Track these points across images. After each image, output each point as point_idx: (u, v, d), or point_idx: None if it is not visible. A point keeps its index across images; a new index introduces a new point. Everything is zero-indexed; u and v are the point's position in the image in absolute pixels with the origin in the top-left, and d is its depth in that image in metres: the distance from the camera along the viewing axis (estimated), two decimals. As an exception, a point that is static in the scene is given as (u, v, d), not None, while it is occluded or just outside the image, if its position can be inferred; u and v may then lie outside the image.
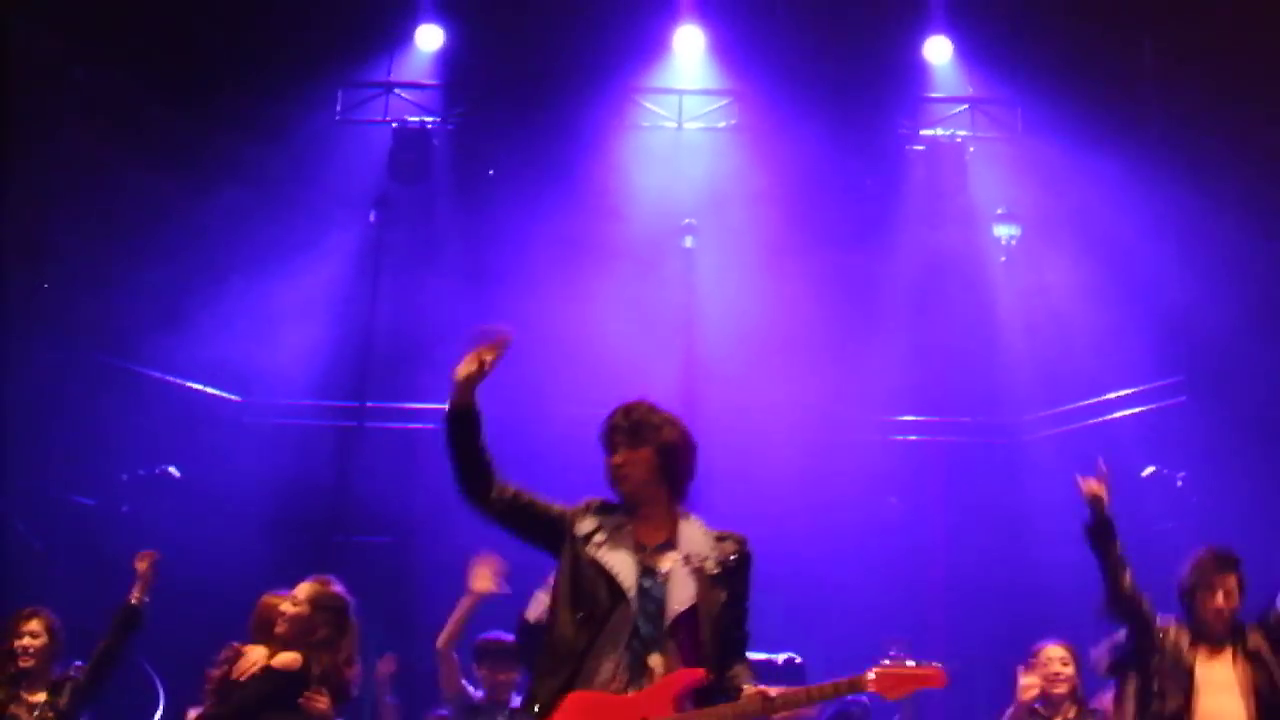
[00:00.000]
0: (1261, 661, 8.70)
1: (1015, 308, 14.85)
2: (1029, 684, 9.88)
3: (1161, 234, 13.72)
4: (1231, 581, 8.88)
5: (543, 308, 14.46)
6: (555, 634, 6.38)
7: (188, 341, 14.29)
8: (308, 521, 14.82)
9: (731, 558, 6.55)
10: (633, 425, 6.66)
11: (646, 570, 6.36)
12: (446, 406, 6.69)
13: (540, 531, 6.65)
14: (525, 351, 14.42)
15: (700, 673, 6.22)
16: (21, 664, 9.58)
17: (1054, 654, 10.11)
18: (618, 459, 6.58)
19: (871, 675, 6.35)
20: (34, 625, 9.66)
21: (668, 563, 6.39)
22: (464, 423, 6.65)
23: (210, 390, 15.00)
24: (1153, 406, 14.36)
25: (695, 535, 6.54)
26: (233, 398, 15.18)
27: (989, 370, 15.02)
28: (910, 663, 6.41)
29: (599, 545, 6.40)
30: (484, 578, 9.65)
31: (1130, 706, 9.03)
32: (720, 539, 6.59)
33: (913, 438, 15.85)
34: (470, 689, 10.52)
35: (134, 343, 14.24)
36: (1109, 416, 14.72)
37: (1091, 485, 9.11)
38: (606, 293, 14.47)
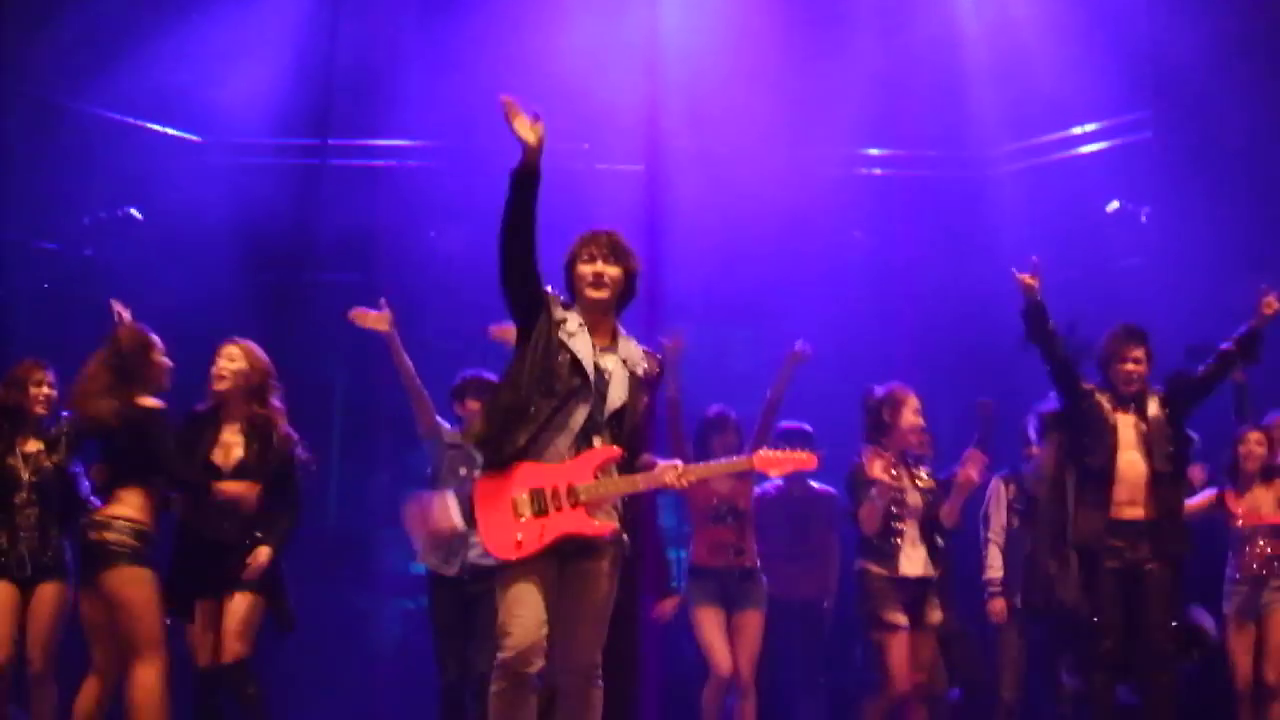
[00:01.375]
0: (1155, 421, 10.21)
1: (981, 41, 14.71)
2: (876, 464, 10.47)
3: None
4: (1140, 352, 10.31)
5: (505, 40, 14.32)
6: (520, 397, 7.26)
7: (144, 82, 14.06)
8: (273, 260, 14.86)
9: (656, 372, 7.58)
10: (615, 245, 7.50)
11: (596, 366, 7.32)
12: (519, 170, 7.31)
13: (531, 300, 7.41)
14: (490, 85, 14.42)
15: (617, 450, 7.28)
16: (36, 412, 9.89)
17: (917, 404, 10.81)
18: (600, 267, 7.42)
19: (755, 459, 7.63)
20: (49, 376, 9.98)
21: (610, 361, 7.38)
22: (534, 185, 7.30)
23: (170, 131, 14.84)
24: (1119, 141, 14.34)
25: (630, 346, 7.53)
26: (193, 138, 15.01)
27: (955, 104, 14.93)
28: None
29: (570, 334, 7.30)
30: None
31: (1055, 459, 10.64)
32: (646, 354, 7.60)
33: (878, 171, 15.83)
34: (446, 426, 10.65)
35: (89, 85, 14.00)
36: (1075, 151, 14.71)
37: (1025, 278, 10.21)
38: (570, 25, 14.29)
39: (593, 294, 7.40)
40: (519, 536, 7.11)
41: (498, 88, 14.25)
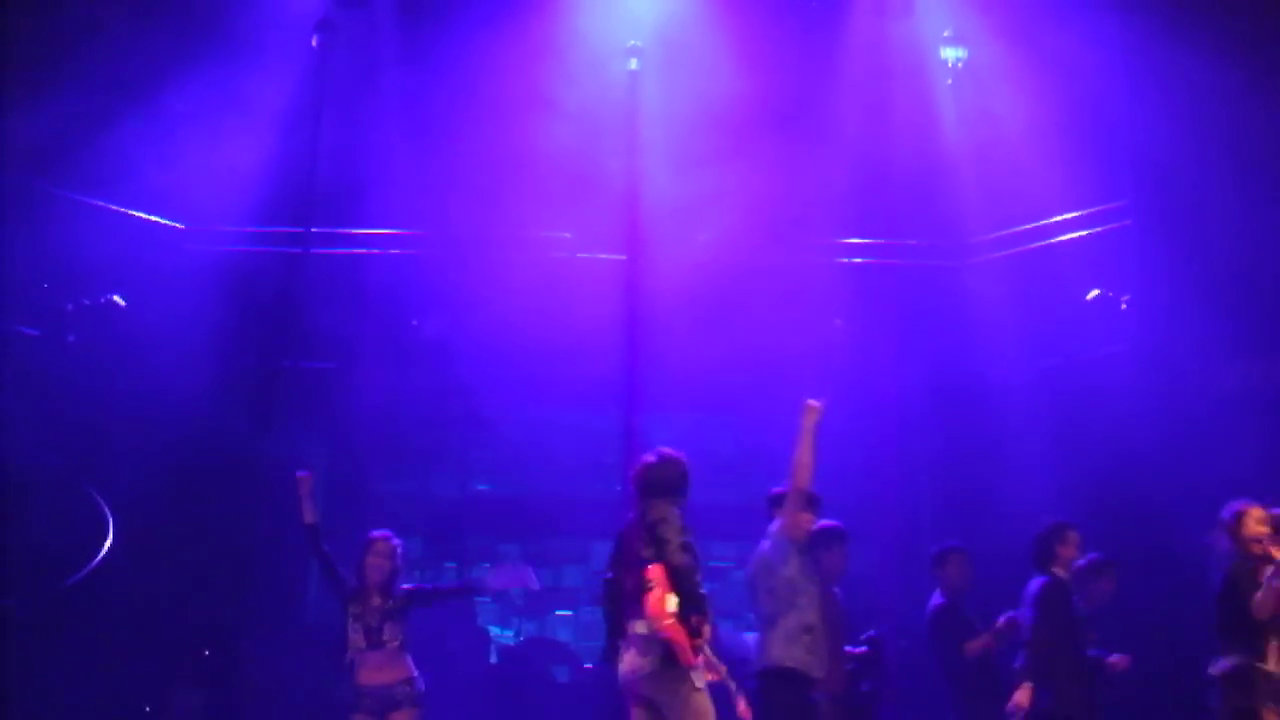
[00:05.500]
0: None
1: (962, 131, 14.78)
2: None
3: (1109, 55, 13.65)
4: None
5: (488, 130, 14.41)
6: None
7: (130, 169, 14.10)
8: (253, 348, 14.83)
9: None
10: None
11: None
12: None
13: None
14: (472, 175, 14.48)
15: None
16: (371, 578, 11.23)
17: None
18: None
19: None
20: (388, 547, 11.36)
21: None
22: None
23: (154, 218, 14.85)
24: (1098, 229, 14.37)
25: None
26: (177, 225, 15.02)
27: (935, 193, 14.98)
28: None
29: None
30: None
31: None
32: None
33: (859, 260, 15.85)
34: None
35: (76, 171, 14.04)
36: (1055, 239, 14.74)
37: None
38: (552, 116, 14.36)
39: None
40: None
41: (479, 178, 14.45)
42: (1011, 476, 13.81)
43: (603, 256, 15.10)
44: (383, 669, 10.99)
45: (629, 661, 9.26)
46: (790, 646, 10.13)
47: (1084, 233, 14.53)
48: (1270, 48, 12.53)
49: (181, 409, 13.23)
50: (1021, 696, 10.90)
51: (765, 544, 10.39)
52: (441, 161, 14.69)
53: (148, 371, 13.68)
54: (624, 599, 9.37)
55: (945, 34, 14.89)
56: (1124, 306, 13.90)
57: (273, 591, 12.30)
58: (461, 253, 15.08)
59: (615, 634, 9.47)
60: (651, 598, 9.03)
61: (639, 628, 9.19)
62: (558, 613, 16.85)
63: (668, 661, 9.04)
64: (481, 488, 16.89)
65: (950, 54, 14.84)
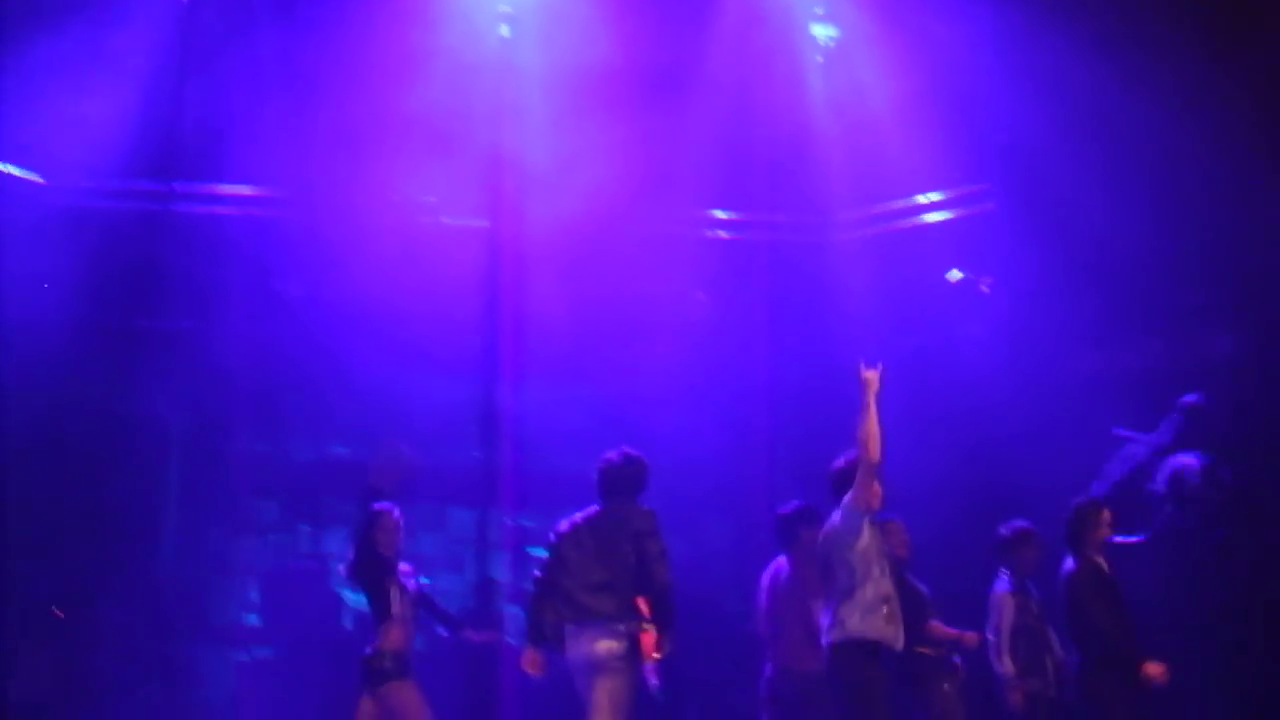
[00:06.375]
0: None
1: (831, 108, 14.84)
2: None
3: (980, 40, 13.76)
4: None
5: (355, 93, 14.28)
6: None
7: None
8: (113, 306, 14.64)
9: None
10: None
11: None
12: None
13: None
14: (338, 137, 14.35)
15: None
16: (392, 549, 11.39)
17: None
18: None
19: None
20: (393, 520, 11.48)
21: None
22: None
23: (12, 170, 14.58)
24: (962, 212, 14.51)
25: None
26: (36, 179, 14.76)
27: (803, 169, 15.04)
28: None
29: None
30: None
31: None
32: None
33: (722, 234, 15.89)
34: None
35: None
36: (919, 220, 14.87)
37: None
38: (419, 83, 14.24)
39: None
40: None
41: (346, 139, 14.34)
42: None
43: (467, 222, 15.05)
44: (408, 634, 11.35)
45: (590, 640, 10.20)
46: (870, 617, 10.12)
47: (949, 214, 14.66)
48: (1138, 40, 12.68)
49: (37, 367, 13.02)
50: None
51: (836, 516, 10.33)
52: (308, 121, 14.54)
53: (1, 328, 13.45)
54: (597, 587, 10.28)
55: (817, 11, 14.93)
56: (985, 289, 14.04)
57: (127, 551, 12.13)
58: (326, 214, 14.96)
59: (572, 616, 10.35)
60: (646, 638, 10.06)
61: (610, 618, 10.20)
62: (413, 579, 16.78)
63: (631, 647, 10.05)
64: (339, 451, 16.77)
65: (821, 31, 14.88)
